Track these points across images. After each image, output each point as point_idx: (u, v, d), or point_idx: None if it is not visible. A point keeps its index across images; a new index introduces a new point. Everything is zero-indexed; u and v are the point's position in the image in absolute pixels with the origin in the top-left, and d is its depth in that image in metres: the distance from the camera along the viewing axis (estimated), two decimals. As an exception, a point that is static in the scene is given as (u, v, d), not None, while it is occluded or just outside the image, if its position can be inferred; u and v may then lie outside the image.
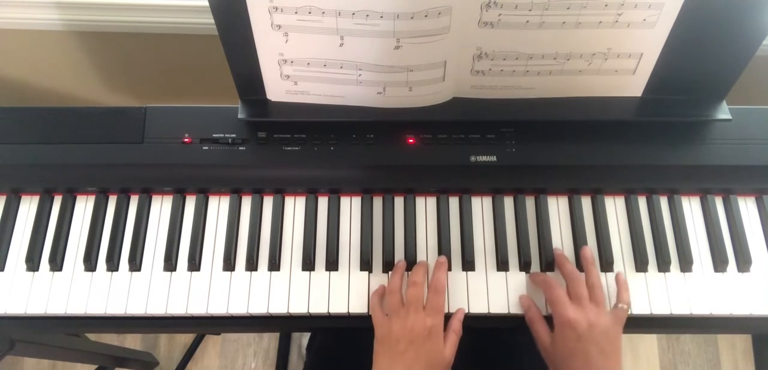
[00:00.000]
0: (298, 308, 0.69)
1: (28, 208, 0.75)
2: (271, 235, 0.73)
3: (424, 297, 0.66)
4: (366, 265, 0.71)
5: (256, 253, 0.72)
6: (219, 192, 0.75)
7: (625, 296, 0.67)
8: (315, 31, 0.63)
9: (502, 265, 0.71)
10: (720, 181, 0.75)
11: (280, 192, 0.75)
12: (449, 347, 0.64)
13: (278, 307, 0.69)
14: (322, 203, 0.75)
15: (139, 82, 1.12)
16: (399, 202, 0.75)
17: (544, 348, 0.65)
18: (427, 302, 0.65)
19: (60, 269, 0.72)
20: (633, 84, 0.72)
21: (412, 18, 0.61)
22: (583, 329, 0.62)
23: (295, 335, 1.49)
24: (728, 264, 0.71)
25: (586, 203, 0.75)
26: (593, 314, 0.63)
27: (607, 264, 0.71)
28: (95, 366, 1.30)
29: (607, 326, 0.63)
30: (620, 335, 0.64)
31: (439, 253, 0.72)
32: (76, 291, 0.70)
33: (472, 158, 0.73)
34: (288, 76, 0.70)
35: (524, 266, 0.71)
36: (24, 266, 0.72)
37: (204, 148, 0.73)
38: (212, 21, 0.63)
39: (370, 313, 0.68)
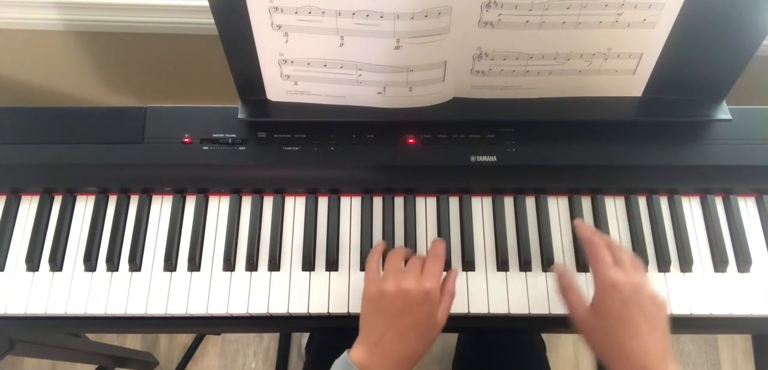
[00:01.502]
0: (298, 308, 0.69)
1: (28, 208, 0.75)
2: (271, 235, 0.73)
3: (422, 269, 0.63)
4: (366, 265, 0.71)
5: (256, 253, 0.72)
6: (219, 192, 0.75)
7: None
8: (315, 31, 0.63)
9: (502, 265, 0.71)
10: (720, 181, 0.75)
11: (280, 192, 0.75)
12: (443, 311, 0.62)
13: (278, 307, 0.69)
14: (322, 203, 0.75)
15: (139, 82, 1.12)
16: (399, 202, 0.75)
17: (580, 319, 0.60)
18: (426, 267, 0.62)
19: (60, 269, 0.72)
20: (633, 84, 0.72)
21: (412, 18, 0.61)
22: (628, 293, 0.55)
23: (295, 335, 1.49)
24: (728, 264, 0.71)
25: (586, 203, 0.75)
26: (639, 278, 0.57)
27: (607, 264, 0.71)
28: (95, 366, 1.30)
29: (653, 292, 0.57)
30: (667, 309, 0.57)
31: (439, 253, 0.72)
32: (76, 291, 0.70)
33: (472, 158, 0.73)
34: (288, 76, 0.70)
35: (524, 265, 0.71)
36: (24, 266, 0.72)
37: (204, 148, 0.73)
38: (212, 21, 0.63)
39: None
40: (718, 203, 0.75)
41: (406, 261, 0.65)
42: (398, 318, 0.59)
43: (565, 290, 0.63)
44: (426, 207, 0.75)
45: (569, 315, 0.62)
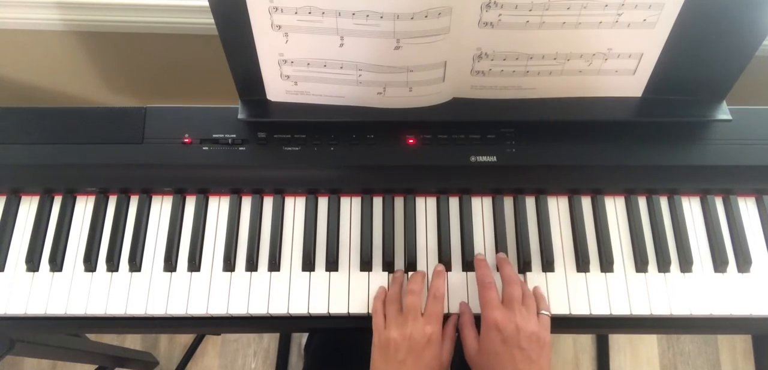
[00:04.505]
0: (298, 308, 0.69)
1: (28, 208, 0.75)
2: (271, 235, 0.72)
3: (422, 305, 0.66)
4: (366, 265, 0.71)
5: (256, 253, 0.72)
6: (219, 192, 0.75)
7: (544, 303, 0.67)
8: (315, 32, 0.63)
9: (502, 265, 0.71)
10: (720, 181, 0.75)
11: (280, 192, 0.75)
12: (446, 353, 0.64)
13: (278, 307, 0.69)
14: (322, 203, 0.75)
15: (139, 82, 1.12)
16: (399, 202, 0.75)
17: (470, 355, 0.64)
18: (426, 309, 0.65)
19: (60, 269, 0.72)
20: (633, 84, 0.72)
21: (412, 18, 0.61)
22: (509, 333, 0.60)
23: (295, 335, 1.49)
24: (728, 264, 0.71)
25: (586, 203, 0.75)
26: (521, 318, 0.61)
27: (607, 264, 0.71)
28: (95, 366, 1.30)
29: (534, 331, 0.61)
30: (549, 342, 0.62)
31: (440, 253, 0.72)
32: (76, 291, 0.70)
33: (472, 158, 0.73)
34: (288, 77, 0.70)
35: (524, 266, 0.71)
36: (24, 266, 0.72)
37: (204, 148, 0.73)
38: (212, 21, 0.63)
39: (371, 313, 0.68)
40: (718, 203, 0.75)
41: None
42: (404, 363, 0.61)
43: (462, 326, 0.66)
44: (426, 207, 0.75)
45: (463, 349, 0.65)
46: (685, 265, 0.71)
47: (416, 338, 0.62)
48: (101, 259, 0.72)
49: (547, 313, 0.65)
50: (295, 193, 0.75)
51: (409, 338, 0.62)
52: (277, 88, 0.72)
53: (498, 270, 0.69)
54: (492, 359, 0.61)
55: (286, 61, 0.68)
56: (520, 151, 0.73)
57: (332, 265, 0.71)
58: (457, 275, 0.71)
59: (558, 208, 0.75)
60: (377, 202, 0.75)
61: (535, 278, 0.71)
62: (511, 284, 0.65)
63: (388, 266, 0.71)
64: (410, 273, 0.70)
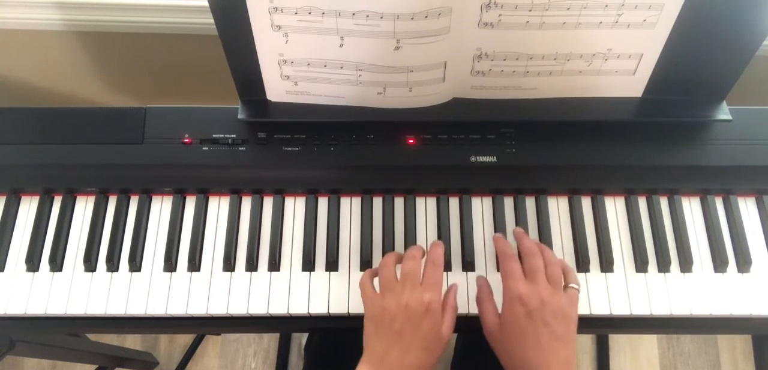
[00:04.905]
0: (298, 308, 0.69)
1: (28, 208, 0.75)
2: (271, 235, 0.72)
3: (421, 275, 0.61)
4: (366, 265, 0.71)
5: (256, 253, 0.72)
6: (219, 192, 0.75)
7: (572, 276, 0.63)
8: (315, 32, 0.63)
9: (502, 265, 0.71)
10: (720, 181, 0.75)
11: (280, 192, 0.75)
12: (446, 325, 0.60)
13: (278, 307, 0.69)
14: (322, 203, 0.75)
15: (139, 82, 1.12)
16: (399, 202, 0.75)
17: (490, 331, 0.61)
18: (424, 276, 0.61)
19: (60, 269, 0.72)
20: (633, 84, 0.72)
21: (412, 19, 0.61)
22: (534, 306, 0.57)
23: (295, 335, 1.49)
24: (728, 264, 0.71)
25: (586, 203, 0.75)
26: (546, 292, 0.58)
27: (607, 264, 0.71)
28: (95, 366, 1.30)
29: (560, 305, 0.58)
30: (576, 318, 0.59)
31: (439, 253, 0.72)
32: (76, 291, 0.70)
33: (472, 158, 0.73)
34: (288, 77, 0.70)
35: (524, 266, 0.71)
36: (24, 266, 0.72)
37: (204, 148, 0.73)
38: (212, 21, 0.63)
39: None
40: (718, 203, 0.75)
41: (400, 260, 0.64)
42: (401, 334, 0.57)
43: (480, 301, 0.63)
44: (426, 207, 0.75)
45: (482, 325, 0.62)
46: (685, 265, 0.71)
47: (414, 306, 0.58)
48: (101, 259, 0.72)
49: (576, 287, 0.61)
50: (295, 193, 0.75)
51: (406, 306, 0.58)
52: (277, 88, 0.72)
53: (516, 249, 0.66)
54: (515, 332, 0.57)
55: (286, 62, 0.68)
56: (520, 151, 0.73)
57: (332, 265, 0.71)
58: (456, 275, 0.71)
59: (558, 208, 0.75)
60: (377, 202, 0.75)
61: (535, 278, 0.70)
62: (532, 256, 0.61)
63: (388, 266, 0.71)
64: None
